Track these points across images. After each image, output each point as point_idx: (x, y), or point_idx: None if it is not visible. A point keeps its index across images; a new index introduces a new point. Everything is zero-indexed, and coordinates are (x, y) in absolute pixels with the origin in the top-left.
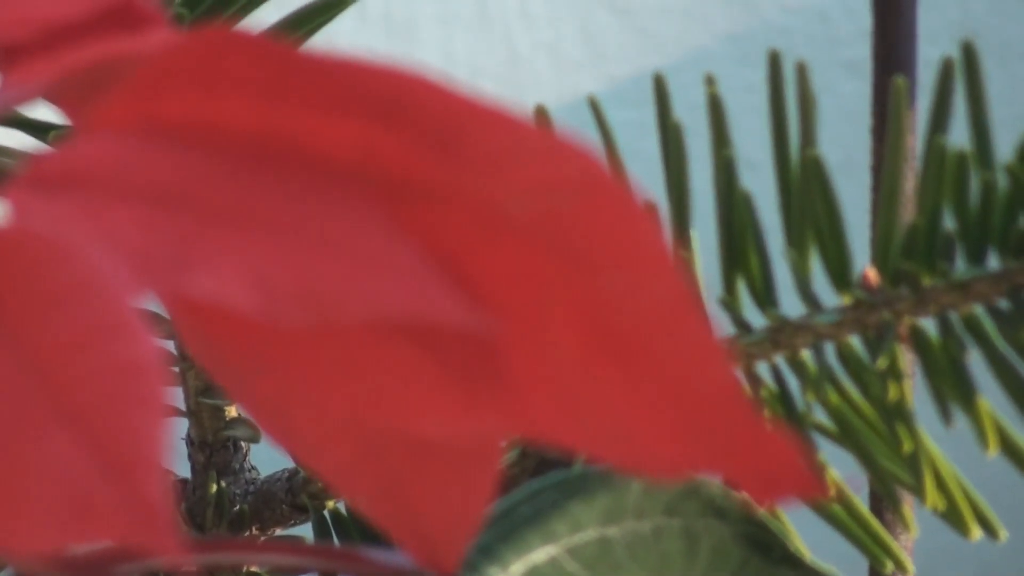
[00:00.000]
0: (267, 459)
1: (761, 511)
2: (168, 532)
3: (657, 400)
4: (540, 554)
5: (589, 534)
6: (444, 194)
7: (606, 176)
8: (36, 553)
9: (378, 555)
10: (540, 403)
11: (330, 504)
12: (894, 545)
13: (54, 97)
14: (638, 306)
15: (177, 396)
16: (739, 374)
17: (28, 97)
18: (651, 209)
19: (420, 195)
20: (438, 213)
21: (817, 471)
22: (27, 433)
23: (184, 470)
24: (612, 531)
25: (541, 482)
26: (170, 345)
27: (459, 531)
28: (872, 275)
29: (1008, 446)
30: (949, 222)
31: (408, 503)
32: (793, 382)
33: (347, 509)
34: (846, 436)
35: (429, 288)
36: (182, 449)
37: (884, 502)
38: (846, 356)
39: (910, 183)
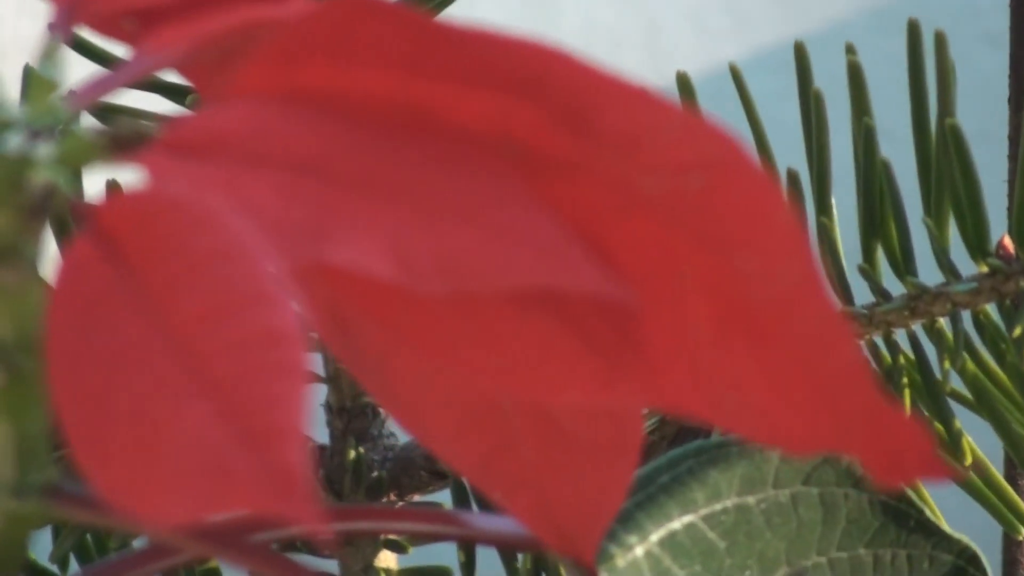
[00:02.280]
0: None
1: None
2: (305, 500)
3: (787, 378)
4: (678, 522)
5: (727, 502)
6: (580, 169)
7: (742, 156)
8: (174, 523)
9: (511, 524)
10: (676, 377)
11: None
12: None
13: (187, 64)
14: (769, 286)
15: (316, 362)
16: (865, 356)
17: (165, 64)
18: (784, 190)
19: (557, 169)
20: (575, 187)
21: (941, 454)
22: (166, 402)
23: (323, 436)
24: (750, 500)
25: (680, 450)
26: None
27: (595, 523)
28: (1009, 244)
29: None
30: None
31: (543, 496)
32: (931, 350)
33: None
34: (982, 404)
35: (568, 258)
36: (321, 415)
37: (1019, 469)
38: (983, 324)
39: None
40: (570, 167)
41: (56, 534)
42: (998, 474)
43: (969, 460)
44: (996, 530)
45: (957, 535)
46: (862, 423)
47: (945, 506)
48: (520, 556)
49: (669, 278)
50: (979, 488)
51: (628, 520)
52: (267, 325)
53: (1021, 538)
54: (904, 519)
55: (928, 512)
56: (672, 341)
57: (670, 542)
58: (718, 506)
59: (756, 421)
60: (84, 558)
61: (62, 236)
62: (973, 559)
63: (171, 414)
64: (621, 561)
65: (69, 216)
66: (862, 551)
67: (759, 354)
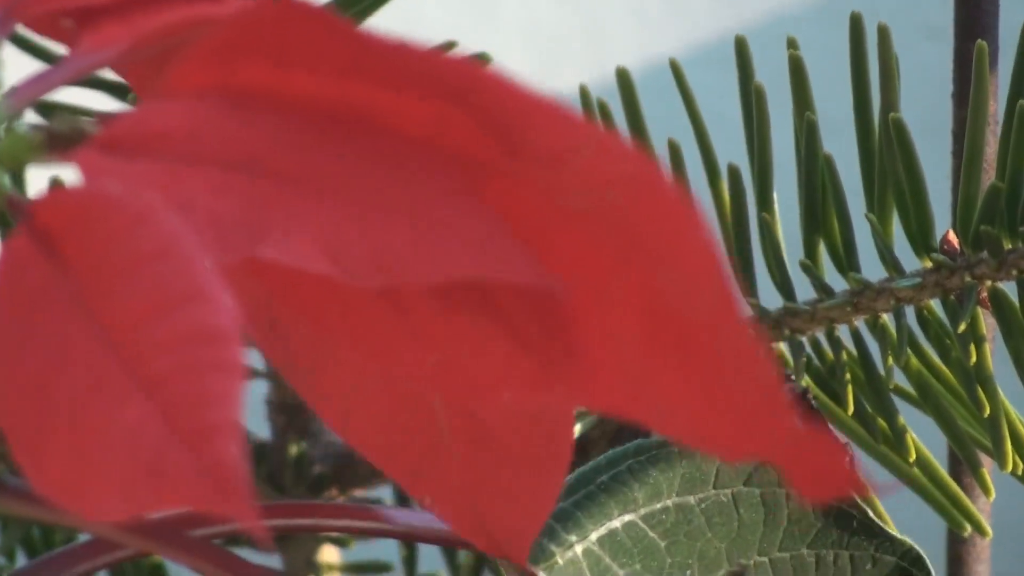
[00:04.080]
0: None
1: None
2: (241, 496)
3: (710, 392)
4: (618, 521)
5: (668, 502)
6: (512, 177)
7: (656, 176)
8: (112, 519)
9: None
10: (608, 380)
11: None
12: (972, 509)
13: (123, 62)
14: (688, 303)
15: (258, 358)
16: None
17: (102, 62)
18: (698, 207)
19: (491, 173)
20: (508, 192)
21: (855, 470)
22: (103, 399)
23: (264, 432)
24: (691, 499)
25: (620, 450)
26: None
27: (525, 528)
28: (953, 239)
29: None
30: None
31: (472, 501)
32: (874, 346)
33: None
34: (926, 400)
35: (500, 251)
36: (262, 411)
37: (963, 466)
38: (927, 320)
39: (991, 147)
40: (502, 174)
41: (3, 527)
42: (943, 471)
43: (913, 457)
44: (941, 527)
45: (901, 537)
46: (782, 437)
47: (889, 503)
48: (462, 552)
49: (598, 283)
50: (924, 485)
51: (568, 519)
52: (203, 322)
53: (966, 535)
54: (847, 520)
55: (872, 512)
56: (603, 345)
57: (610, 541)
58: (658, 505)
59: (687, 427)
60: (31, 551)
61: (1, 233)
62: (917, 561)
63: (108, 411)
64: (561, 559)
65: (7, 213)
66: (804, 551)
67: (685, 366)
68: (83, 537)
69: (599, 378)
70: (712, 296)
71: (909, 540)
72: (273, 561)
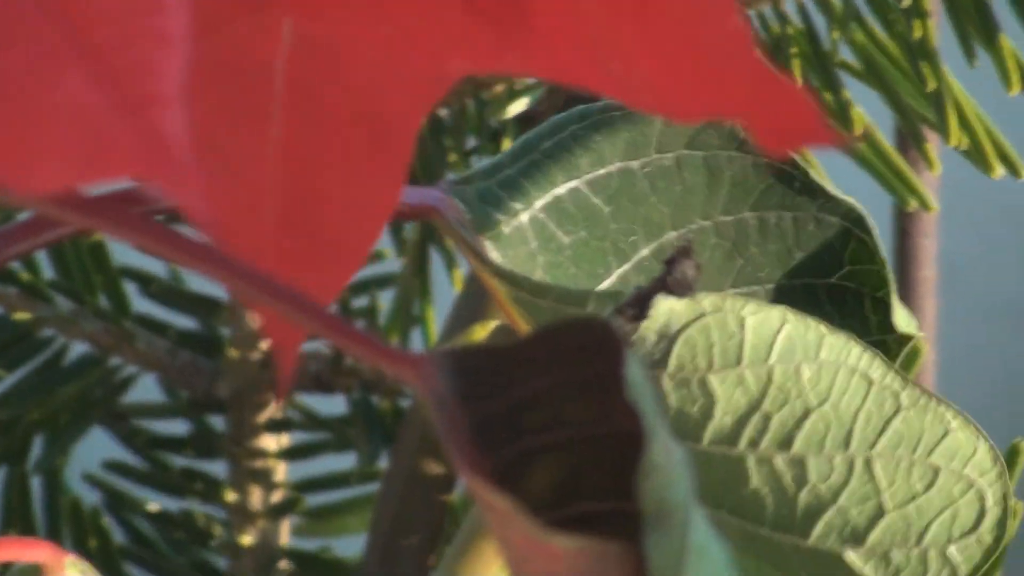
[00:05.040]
0: None
1: None
2: (179, 166)
3: (671, 48)
4: (563, 188)
5: (611, 167)
6: None
7: None
8: (51, 190)
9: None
10: (563, 46)
11: None
12: (917, 182)
13: None
14: None
15: None
16: (750, 23)
17: None
18: None
19: None
20: None
21: (830, 122)
22: (43, 70)
23: None
24: (634, 164)
25: (563, 116)
26: None
27: (355, 237)
28: None
29: None
30: None
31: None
32: (820, 21)
33: None
34: (872, 74)
35: None
36: None
37: (908, 140)
38: None
39: None
40: None
41: None
42: (888, 145)
43: (859, 130)
44: (887, 202)
45: (843, 196)
46: (747, 90)
47: (835, 178)
48: (407, 227)
49: None
50: (869, 158)
51: (512, 187)
52: None
53: (910, 209)
54: (789, 181)
55: (814, 174)
56: (558, 10)
57: (555, 208)
58: (602, 171)
59: (641, 89)
60: None
61: None
62: (859, 220)
63: (48, 80)
64: (506, 228)
65: None
66: (747, 214)
67: (644, 23)
68: (22, 216)
69: (555, 43)
70: None
71: (851, 200)
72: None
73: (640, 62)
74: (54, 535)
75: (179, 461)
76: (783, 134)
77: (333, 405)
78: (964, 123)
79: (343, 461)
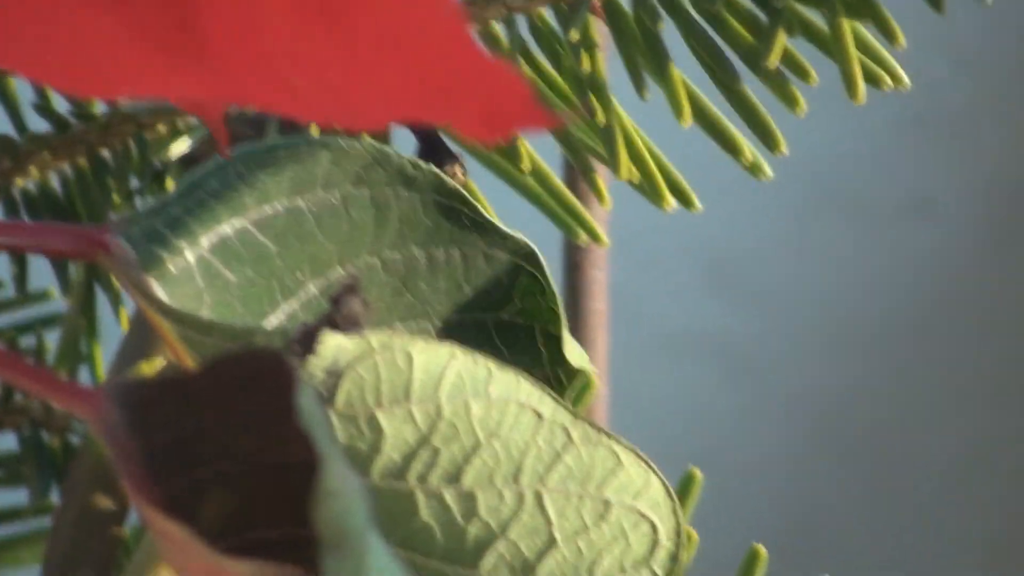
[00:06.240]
0: None
1: (451, 183)
2: None
3: (368, 48)
4: (228, 227)
5: (278, 205)
6: None
7: None
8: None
9: (63, 235)
10: (241, 67)
11: (19, 182)
12: (587, 216)
13: None
14: None
15: None
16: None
17: None
18: None
19: None
20: None
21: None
22: None
23: None
24: (300, 203)
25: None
26: None
27: None
28: None
29: (701, 116)
30: None
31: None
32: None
33: (38, 189)
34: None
35: None
36: None
37: (578, 174)
38: (539, 28)
39: None
40: None
41: None
42: (557, 180)
43: (528, 166)
44: (557, 237)
45: (512, 232)
46: (457, 76)
47: (503, 215)
48: (72, 267)
49: None
50: (538, 193)
51: (178, 225)
52: None
53: (581, 243)
54: (458, 217)
55: (483, 211)
56: (240, 29)
57: (221, 247)
58: (268, 209)
59: (329, 102)
60: None
61: None
62: (530, 256)
63: None
64: (173, 266)
65: None
66: (416, 250)
67: (339, 32)
68: None
69: (231, 65)
70: None
71: (521, 235)
72: None
73: (329, 70)
74: None
75: None
76: (496, 118)
77: (4, 442)
78: (635, 156)
79: (16, 496)
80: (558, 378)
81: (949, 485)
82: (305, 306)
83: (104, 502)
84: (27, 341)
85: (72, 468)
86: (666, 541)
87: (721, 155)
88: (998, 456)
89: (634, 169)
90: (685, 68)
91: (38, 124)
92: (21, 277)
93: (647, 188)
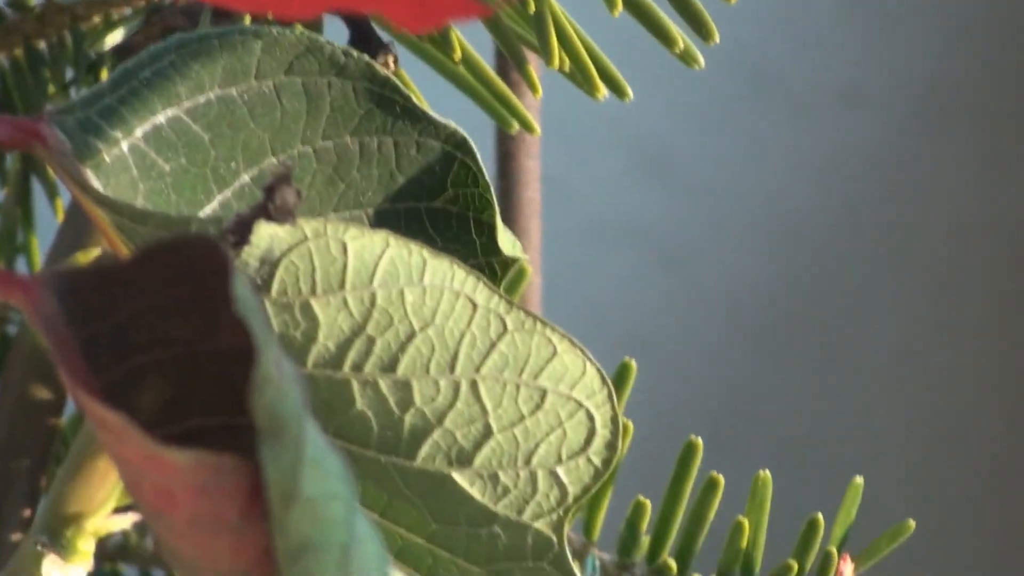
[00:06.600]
0: None
1: (383, 71)
2: None
3: None
4: (162, 116)
5: (211, 95)
6: None
7: None
8: None
9: None
10: None
11: None
12: (519, 105)
13: None
14: None
15: None
16: None
17: None
18: None
19: None
20: None
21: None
22: None
23: None
24: (233, 91)
25: (161, 45)
26: None
27: None
28: None
29: (632, 4)
30: None
31: None
32: None
33: None
34: None
35: None
36: None
37: (510, 64)
38: None
39: None
40: None
41: None
42: (489, 69)
43: (459, 55)
44: (489, 125)
45: (444, 120)
46: None
47: (434, 104)
48: (8, 157)
49: None
50: (471, 84)
51: (112, 116)
52: None
53: (513, 132)
54: (390, 106)
55: (415, 99)
56: None
57: (155, 136)
58: (201, 99)
59: None
60: None
61: None
62: (461, 144)
63: None
64: (107, 156)
65: None
66: (348, 139)
67: None
68: None
69: None
70: None
71: (453, 123)
72: None
73: None
74: None
75: None
76: (427, 7)
77: None
78: (566, 45)
79: None
80: (492, 267)
81: (882, 372)
82: (238, 195)
83: (41, 392)
84: None
85: (8, 358)
86: (602, 429)
87: (653, 43)
88: (925, 346)
89: (565, 58)
90: None
91: None
92: None
93: (579, 77)
